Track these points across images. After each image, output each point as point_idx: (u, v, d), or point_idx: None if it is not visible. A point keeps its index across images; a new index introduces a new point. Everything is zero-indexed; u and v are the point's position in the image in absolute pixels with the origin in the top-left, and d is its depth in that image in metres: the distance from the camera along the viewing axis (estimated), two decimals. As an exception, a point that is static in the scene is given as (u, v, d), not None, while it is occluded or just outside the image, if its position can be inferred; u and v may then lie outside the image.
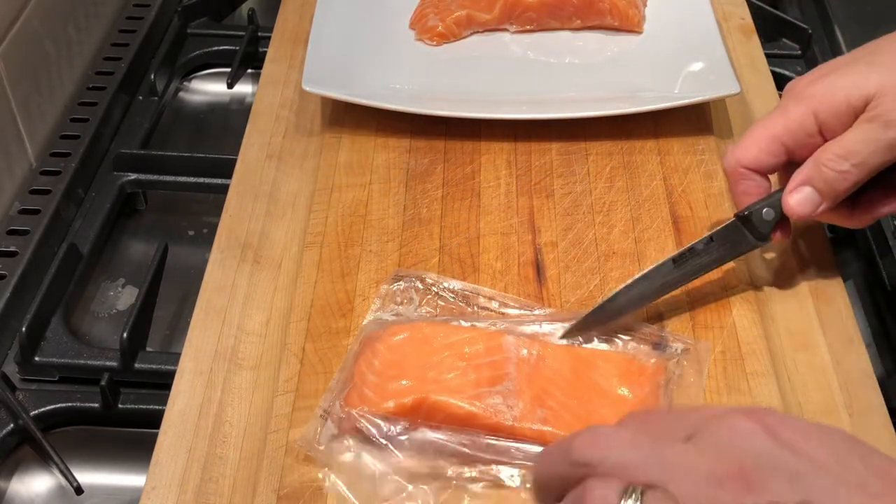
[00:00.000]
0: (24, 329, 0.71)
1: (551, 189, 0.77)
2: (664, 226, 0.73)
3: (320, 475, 0.58)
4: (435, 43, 0.90)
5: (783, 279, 0.71)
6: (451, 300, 0.68)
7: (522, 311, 0.67)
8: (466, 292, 0.68)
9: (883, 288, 0.79)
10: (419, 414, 0.59)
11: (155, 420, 0.64)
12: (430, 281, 0.68)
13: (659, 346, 0.65)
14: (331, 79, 0.83)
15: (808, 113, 0.64)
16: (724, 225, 0.66)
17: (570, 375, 0.61)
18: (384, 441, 0.59)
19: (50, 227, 0.82)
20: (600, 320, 0.64)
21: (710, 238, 0.65)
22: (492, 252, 0.72)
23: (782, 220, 0.66)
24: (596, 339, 0.65)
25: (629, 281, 0.64)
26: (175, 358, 0.67)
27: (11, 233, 0.81)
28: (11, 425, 0.68)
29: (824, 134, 0.64)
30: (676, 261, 0.64)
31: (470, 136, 0.81)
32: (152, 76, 0.96)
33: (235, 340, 0.68)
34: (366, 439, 0.59)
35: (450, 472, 0.58)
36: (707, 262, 0.65)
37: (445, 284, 0.68)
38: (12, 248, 0.79)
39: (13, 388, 0.71)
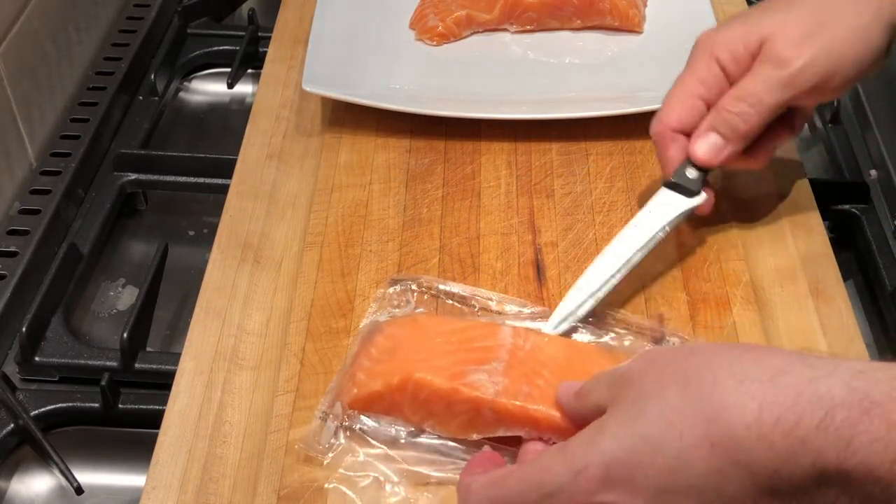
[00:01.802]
0: (24, 329, 0.71)
1: (551, 189, 0.77)
2: (664, 226, 0.73)
3: (326, 484, 0.58)
4: (435, 43, 0.90)
5: (783, 279, 0.71)
6: (449, 303, 0.67)
7: (520, 310, 0.67)
8: (463, 294, 0.68)
9: (883, 288, 0.79)
10: (405, 394, 0.58)
11: (155, 420, 0.64)
12: (427, 284, 0.68)
13: (658, 341, 0.65)
14: (331, 79, 0.83)
15: (712, 61, 0.66)
16: (655, 195, 0.67)
17: (564, 363, 0.59)
18: (384, 445, 0.59)
19: (50, 227, 0.82)
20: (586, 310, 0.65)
21: (649, 210, 0.66)
22: (492, 252, 0.72)
23: (705, 178, 0.67)
24: (591, 334, 0.65)
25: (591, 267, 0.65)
26: (175, 358, 0.67)
27: (11, 233, 0.81)
28: (11, 425, 0.68)
29: (730, 80, 0.66)
30: (624, 238, 0.66)
31: (470, 136, 0.81)
32: (152, 76, 0.97)
33: (235, 340, 0.68)
34: (367, 442, 0.59)
35: (452, 476, 0.57)
36: (655, 233, 0.66)
37: (441, 286, 0.68)
38: (12, 248, 0.79)
39: (13, 388, 0.71)
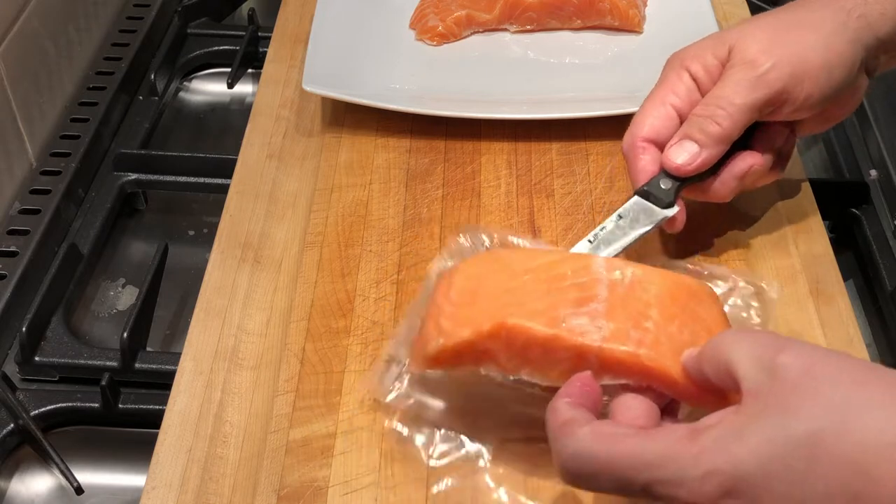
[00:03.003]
0: (24, 329, 0.71)
1: (551, 189, 0.77)
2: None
3: (385, 422, 0.60)
4: (435, 43, 0.90)
5: (783, 279, 0.71)
6: None
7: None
8: (531, 247, 0.67)
9: (883, 288, 0.79)
10: (499, 341, 0.53)
11: (155, 420, 0.64)
12: (499, 237, 0.67)
13: (733, 290, 0.64)
14: (331, 79, 0.83)
15: (683, 71, 0.67)
16: (627, 202, 0.66)
17: (671, 302, 0.54)
18: (445, 397, 0.59)
19: (50, 227, 0.82)
20: None
21: (619, 216, 0.66)
22: (492, 252, 0.72)
23: (679, 191, 0.67)
24: None
25: None
26: (175, 358, 0.67)
27: (12, 233, 0.81)
28: (11, 425, 0.68)
29: (701, 90, 0.67)
30: (592, 241, 0.65)
31: (470, 136, 0.81)
32: (152, 76, 0.97)
33: (235, 340, 0.68)
34: (428, 387, 0.59)
35: (514, 432, 0.58)
36: (623, 237, 0.65)
37: (512, 239, 0.67)
38: (12, 248, 0.79)
39: (13, 388, 0.71)
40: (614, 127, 0.81)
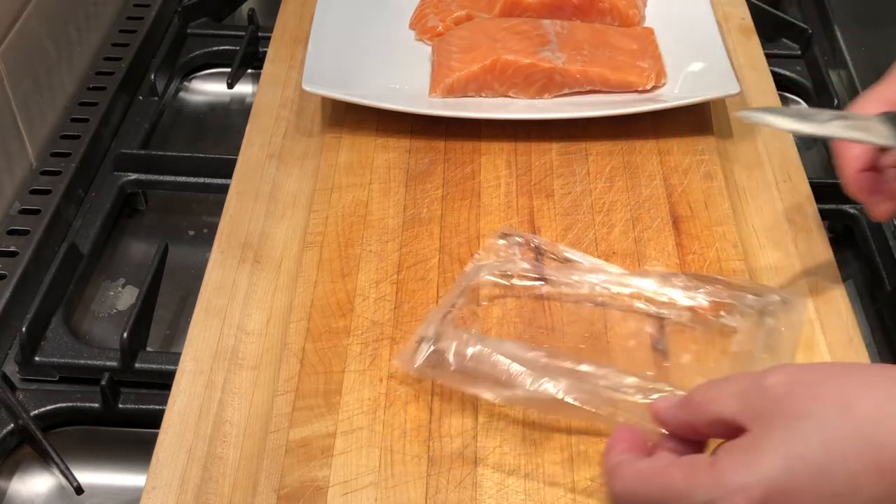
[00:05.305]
0: (24, 329, 0.71)
1: (551, 189, 0.77)
2: (664, 226, 0.73)
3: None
4: (435, 43, 0.90)
5: (783, 279, 0.71)
6: (552, 259, 0.69)
7: (621, 271, 0.68)
8: (567, 255, 0.69)
9: (883, 288, 0.79)
10: (494, 72, 0.80)
11: (155, 420, 0.64)
12: (535, 242, 0.70)
13: (758, 298, 0.65)
14: (331, 79, 0.83)
15: None
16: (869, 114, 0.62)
17: (592, 38, 0.83)
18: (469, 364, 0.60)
19: (50, 227, 0.82)
20: None
21: (844, 116, 0.62)
22: (492, 252, 0.72)
23: None
24: (685, 289, 0.66)
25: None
26: (175, 358, 0.67)
27: (12, 233, 0.81)
28: (11, 425, 0.68)
29: None
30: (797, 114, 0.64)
31: (470, 136, 0.81)
32: (152, 76, 0.97)
33: (235, 340, 0.68)
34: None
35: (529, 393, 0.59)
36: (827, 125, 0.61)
37: (545, 246, 0.70)
38: (12, 248, 0.79)
39: (13, 387, 0.71)
40: (614, 127, 0.81)
